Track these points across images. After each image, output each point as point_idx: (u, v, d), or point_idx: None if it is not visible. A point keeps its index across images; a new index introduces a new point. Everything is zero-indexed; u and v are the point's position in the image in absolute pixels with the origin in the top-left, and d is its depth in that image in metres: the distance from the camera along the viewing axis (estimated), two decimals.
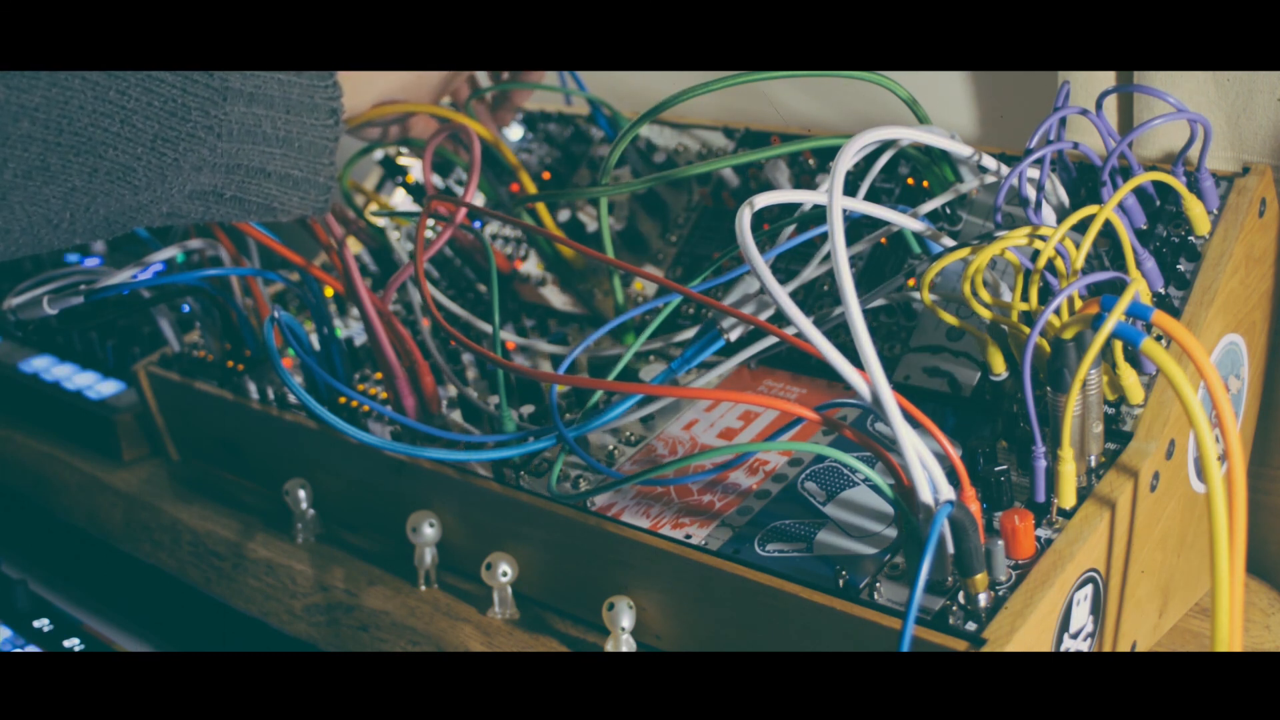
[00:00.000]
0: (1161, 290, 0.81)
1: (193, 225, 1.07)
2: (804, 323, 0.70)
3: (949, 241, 0.83)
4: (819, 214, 0.88)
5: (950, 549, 0.70)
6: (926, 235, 0.84)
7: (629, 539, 0.82)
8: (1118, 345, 0.77)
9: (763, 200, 0.76)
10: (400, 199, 1.22)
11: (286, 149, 0.85)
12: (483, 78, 1.12)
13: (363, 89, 0.96)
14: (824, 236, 0.89)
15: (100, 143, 0.77)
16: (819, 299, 0.94)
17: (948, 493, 0.70)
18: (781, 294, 0.70)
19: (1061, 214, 0.85)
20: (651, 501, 0.84)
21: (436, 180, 1.16)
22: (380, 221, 1.13)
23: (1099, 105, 0.85)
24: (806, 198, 0.81)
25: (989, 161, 0.85)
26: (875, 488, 0.78)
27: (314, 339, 1.03)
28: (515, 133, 1.19)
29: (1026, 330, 0.77)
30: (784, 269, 0.96)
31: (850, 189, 0.93)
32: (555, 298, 1.08)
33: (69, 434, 1.22)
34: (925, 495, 0.70)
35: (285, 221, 0.90)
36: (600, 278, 1.06)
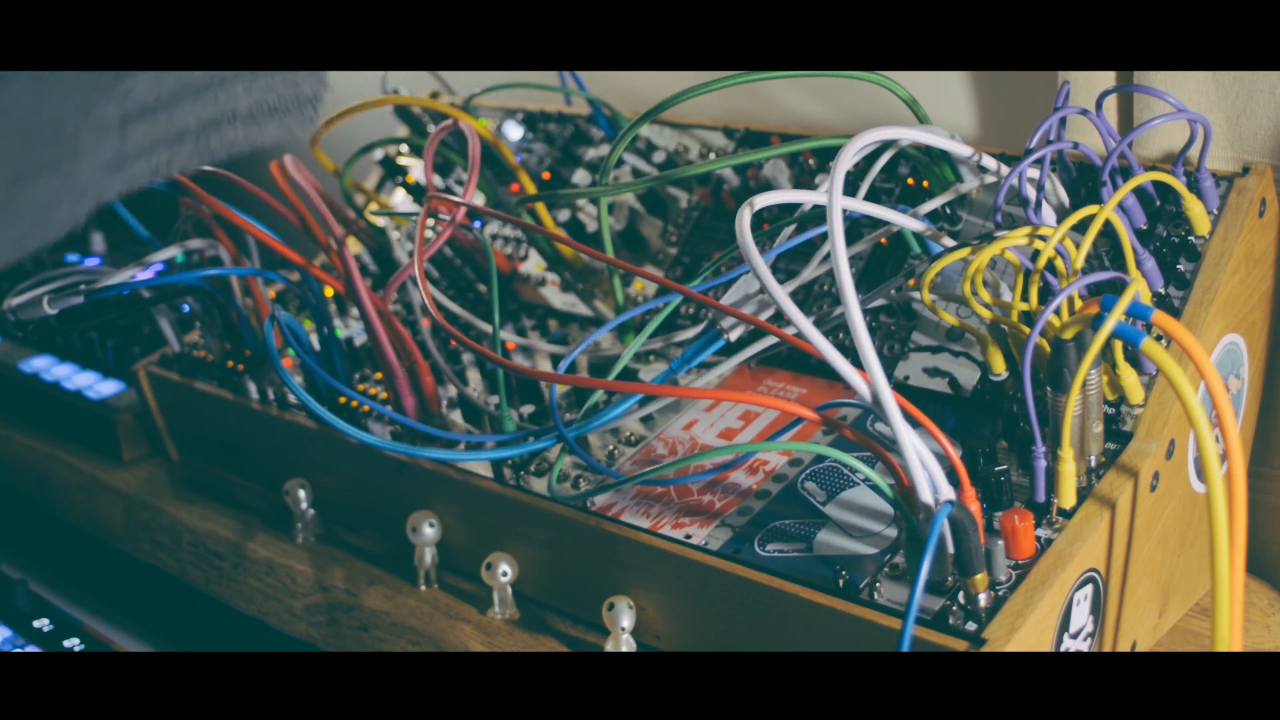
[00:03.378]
0: (1161, 290, 0.81)
1: (191, 226, 1.07)
2: (804, 323, 0.70)
3: (949, 241, 0.83)
4: (819, 214, 0.88)
5: (950, 549, 0.70)
6: (926, 235, 0.84)
7: (629, 539, 0.82)
8: (1118, 345, 0.77)
9: (763, 200, 0.76)
10: (400, 199, 1.22)
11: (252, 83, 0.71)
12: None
13: None
14: (824, 236, 0.89)
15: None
16: (819, 299, 0.94)
17: (948, 493, 0.70)
18: (781, 294, 0.70)
19: (1061, 214, 0.85)
20: (651, 501, 0.84)
21: (436, 180, 1.16)
22: (380, 221, 1.13)
23: (1099, 105, 0.85)
24: (806, 198, 0.81)
25: (989, 161, 0.85)
26: (875, 488, 0.78)
27: (314, 339, 1.03)
28: (515, 133, 1.19)
29: (1026, 330, 0.77)
30: (784, 269, 0.96)
31: (850, 189, 0.93)
32: (555, 298, 1.08)
33: (69, 434, 1.22)
34: (925, 495, 0.70)
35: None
36: (600, 278, 1.06)
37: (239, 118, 0.72)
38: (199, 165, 0.73)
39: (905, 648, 0.66)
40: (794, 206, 0.92)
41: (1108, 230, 0.81)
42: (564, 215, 1.09)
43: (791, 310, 0.70)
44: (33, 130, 0.67)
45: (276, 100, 0.73)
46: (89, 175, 0.68)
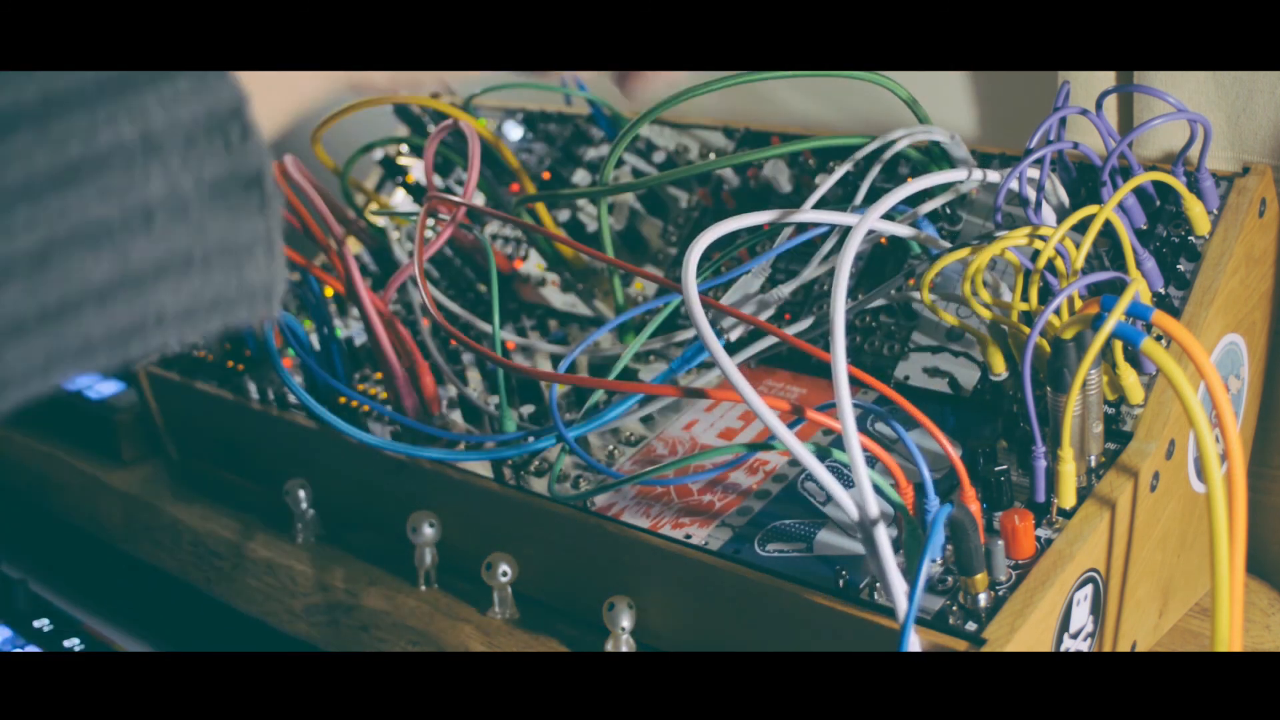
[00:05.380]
0: (1161, 290, 0.81)
1: None
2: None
3: (946, 244, 0.83)
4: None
5: (950, 549, 0.71)
6: (922, 241, 0.84)
7: (629, 539, 0.82)
8: (1118, 345, 0.77)
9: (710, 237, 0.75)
10: (400, 199, 1.22)
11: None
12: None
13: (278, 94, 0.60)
14: (824, 236, 0.89)
15: None
16: (818, 299, 0.94)
17: (873, 510, 0.68)
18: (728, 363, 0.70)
19: (1061, 214, 0.85)
20: (651, 501, 0.84)
21: (436, 180, 1.16)
22: (380, 221, 1.13)
23: (1099, 105, 0.85)
24: (762, 218, 0.81)
25: (992, 176, 0.85)
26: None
27: (314, 339, 1.03)
28: (515, 133, 1.19)
29: (1026, 330, 0.77)
30: (784, 269, 0.96)
31: (851, 189, 0.93)
32: (555, 298, 1.08)
33: (69, 434, 1.22)
34: (876, 500, 0.70)
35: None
36: (600, 278, 1.06)
37: (167, 320, 0.51)
38: (107, 369, 0.53)
39: (905, 648, 0.66)
40: (794, 205, 0.92)
41: (1108, 230, 0.81)
42: (564, 215, 1.09)
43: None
44: None
45: (216, 294, 0.53)
46: None
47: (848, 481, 0.81)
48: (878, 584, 0.73)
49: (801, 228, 0.89)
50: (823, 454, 0.81)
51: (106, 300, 0.48)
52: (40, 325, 0.47)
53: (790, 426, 0.82)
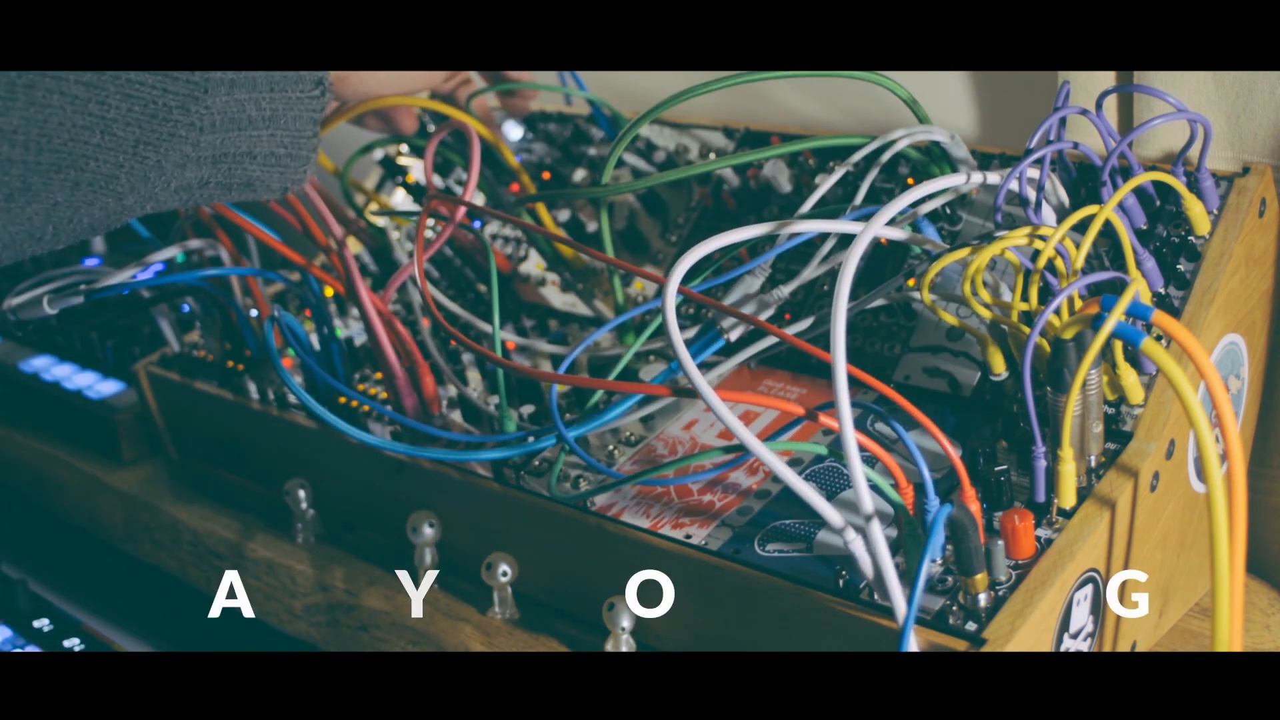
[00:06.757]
0: (1161, 290, 0.81)
1: (190, 226, 1.07)
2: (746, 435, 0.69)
3: (945, 245, 0.83)
4: (816, 214, 0.88)
5: (950, 549, 0.70)
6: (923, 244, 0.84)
7: (629, 539, 0.82)
8: (1118, 345, 0.77)
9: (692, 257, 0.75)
10: (400, 199, 1.22)
11: (272, 128, 0.83)
12: (478, 78, 1.12)
13: (354, 82, 0.97)
14: (824, 235, 0.89)
15: (81, 156, 0.75)
16: (819, 299, 0.94)
17: (869, 512, 0.68)
18: (707, 389, 0.70)
19: (1061, 214, 0.85)
20: (651, 501, 0.84)
21: (437, 180, 1.16)
22: (380, 221, 1.13)
23: (1099, 105, 0.85)
24: (755, 231, 0.81)
25: (993, 177, 0.85)
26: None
27: (314, 339, 1.03)
28: (515, 133, 1.19)
29: (1026, 330, 0.77)
30: (784, 269, 0.96)
31: (850, 189, 0.93)
32: (555, 298, 1.08)
33: (69, 434, 1.22)
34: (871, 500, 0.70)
35: (263, 199, 0.88)
36: (600, 278, 1.06)
37: (257, 159, 0.83)
38: (214, 199, 0.84)
39: (905, 648, 0.66)
40: (791, 207, 0.92)
41: (1108, 230, 0.81)
42: (564, 215, 1.09)
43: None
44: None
45: (284, 151, 0.84)
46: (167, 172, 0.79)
47: (849, 483, 0.81)
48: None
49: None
50: (827, 453, 0.81)
51: (256, 149, 0.83)
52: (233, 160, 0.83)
53: (791, 427, 0.82)
